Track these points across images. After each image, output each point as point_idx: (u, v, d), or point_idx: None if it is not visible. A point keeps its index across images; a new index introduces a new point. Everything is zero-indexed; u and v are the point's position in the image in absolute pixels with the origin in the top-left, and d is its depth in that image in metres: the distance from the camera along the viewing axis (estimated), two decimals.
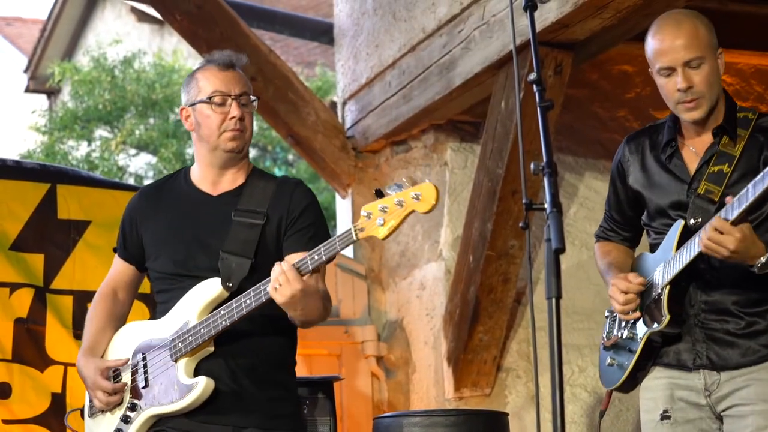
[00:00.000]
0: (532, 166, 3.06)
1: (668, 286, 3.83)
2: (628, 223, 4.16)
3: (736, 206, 3.58)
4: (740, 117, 3.88)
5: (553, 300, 2.91)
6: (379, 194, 3.61)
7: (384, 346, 6.58)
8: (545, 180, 3.04)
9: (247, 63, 4.11)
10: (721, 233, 3.59)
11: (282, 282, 3.68)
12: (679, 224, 3.84)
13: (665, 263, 3.85)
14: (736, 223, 3.59)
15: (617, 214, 4.17)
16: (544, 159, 3.05)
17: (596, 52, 5.50)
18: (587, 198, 6.38)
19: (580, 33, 5.14)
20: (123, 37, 14.20)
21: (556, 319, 2.91)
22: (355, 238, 3.63)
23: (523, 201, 3.09)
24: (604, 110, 6.51)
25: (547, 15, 4.98)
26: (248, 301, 3.78)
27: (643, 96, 6.50)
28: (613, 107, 6.52)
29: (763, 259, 3.63)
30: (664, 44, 3.81)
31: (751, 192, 3.53)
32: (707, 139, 3.88)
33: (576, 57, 5.34)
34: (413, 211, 3.55)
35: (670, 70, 3.81)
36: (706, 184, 3.83)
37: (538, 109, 3.13)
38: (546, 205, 3.00)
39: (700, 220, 3.79)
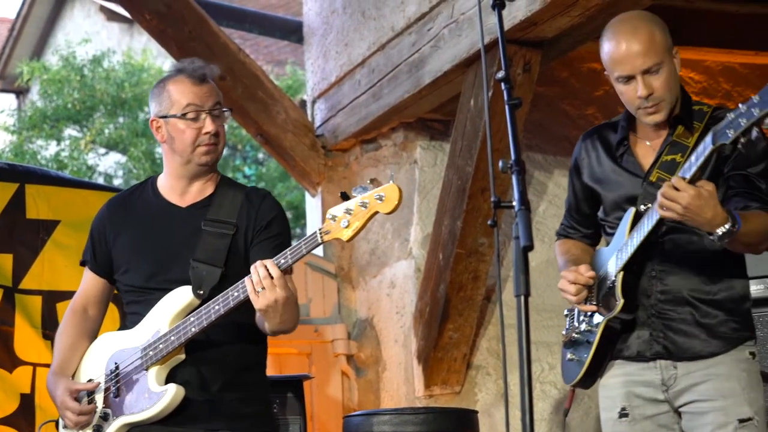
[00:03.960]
0: (500, 164, 3.06)
1: (622, 273, 3.77)
2: (588, 220, 4.10)
3: (693, 162, 3.50)
4: (696, 110, 3.84)
5: (522, 297, 2.92)
6: (345, 197, 3.66)
7: (354, 345, 6.58)
8: (513, 178, 3.05)
9: (218, 73, 4.07)
10: (677, 189, 3.48)
11: (267, 286, 3.66)
12: (630, 212, 3.80)
13: (618, 251, 3.79)
14: (693, 181, 3.49)
15: (576, 211, 4.13)
16: (512, 157, 3.06)
17: (565, 50, 5.51)
18: (556, 195, 6.39)
19: (548, 31, 5.14)
20: (92, 36, 14.15)
21: (525, 316, 2.91)
22: (320, 241, 3.66)
23: (492, 199, 3.09)
24: (574, 108, 6.52)
25: (516, 13, 4.98)
26: (217, 307, 3.77)
27: (611, 93, 6.41)
28: (582, 105, 6.53)
29: (723, 228, 3.49)
30: (621, 52, 3.74)
31: (701, 148, 3.46)
32: (664, 132, 3.84)
33: (545, 55, 5.35)
34: (377, 212, 3.60)
35: (629, 78, 3.76)
36: (659, 172, 3.78)
37: (506, 107, 3.14)
38: (514, 203, 3.01)
39: (650, 205, 3.70)
